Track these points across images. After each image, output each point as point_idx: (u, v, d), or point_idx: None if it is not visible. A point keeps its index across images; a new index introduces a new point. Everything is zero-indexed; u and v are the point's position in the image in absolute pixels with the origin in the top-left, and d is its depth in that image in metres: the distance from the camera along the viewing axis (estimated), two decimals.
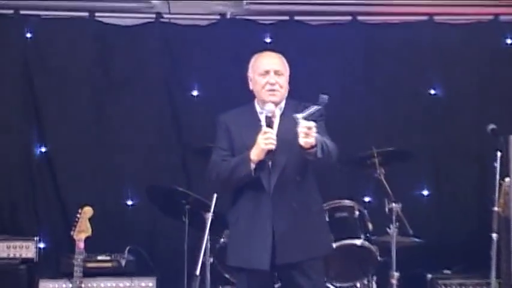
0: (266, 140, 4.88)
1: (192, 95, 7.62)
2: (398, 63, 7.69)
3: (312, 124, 4.71)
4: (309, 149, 4.77)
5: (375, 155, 6.49)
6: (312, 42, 7.60)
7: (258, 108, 5.14)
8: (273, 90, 5.05)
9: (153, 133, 7.61)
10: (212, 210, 5.60)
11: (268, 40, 7.58)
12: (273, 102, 5.06)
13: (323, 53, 7.60)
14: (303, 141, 4.73)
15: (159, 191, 6.61)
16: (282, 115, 5.11)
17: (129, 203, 7.53)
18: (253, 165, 4.97)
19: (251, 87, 5.24)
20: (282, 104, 5.16)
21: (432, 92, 7.74)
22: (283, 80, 5.14)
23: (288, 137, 4.92)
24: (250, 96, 5.34)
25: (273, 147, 4.88)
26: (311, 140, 4.75)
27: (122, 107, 7.58)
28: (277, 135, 4.96)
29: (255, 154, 4.95)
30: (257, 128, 4.98)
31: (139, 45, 7.60)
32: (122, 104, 7.58)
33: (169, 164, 7.57)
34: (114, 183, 7.52)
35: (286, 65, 5.21)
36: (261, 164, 4.95)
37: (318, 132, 4.81)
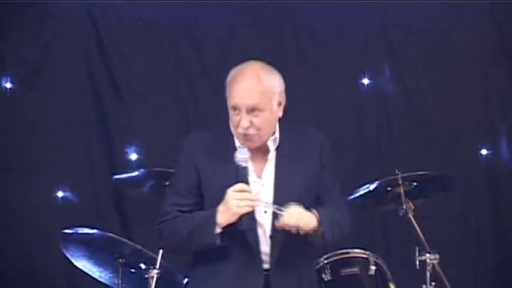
0: (241, 202, 4.33)
1: (130, 90, 6.80)
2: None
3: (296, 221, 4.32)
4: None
5: (400, 182, 5.71)
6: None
7: (236, 142, 4.56)
8: (246, 135, 4.49)
9: (68, 152, 6.78)
10: (158, 265, 5.24)
11: None
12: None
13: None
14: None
15: (77, 238, 5.72)
16: (278, 149, 4.53)
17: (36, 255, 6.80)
18: (218, 230, 4.40)
19: None
20: (276, 133, 4.59)
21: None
22: (263, 118, 4.52)
23: (290, 186, 4.44)
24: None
25: (249, 209, 4.36)
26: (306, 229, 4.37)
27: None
28: (275, 183, 4.46)
29: (223, 217, 4.37)
30: (235, 171, 4.43)
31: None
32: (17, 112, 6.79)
33: (93, 197, 6.81)
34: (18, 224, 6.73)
35: (273, 86, 4.54)
36: (244, 225, 4.38)
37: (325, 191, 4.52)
